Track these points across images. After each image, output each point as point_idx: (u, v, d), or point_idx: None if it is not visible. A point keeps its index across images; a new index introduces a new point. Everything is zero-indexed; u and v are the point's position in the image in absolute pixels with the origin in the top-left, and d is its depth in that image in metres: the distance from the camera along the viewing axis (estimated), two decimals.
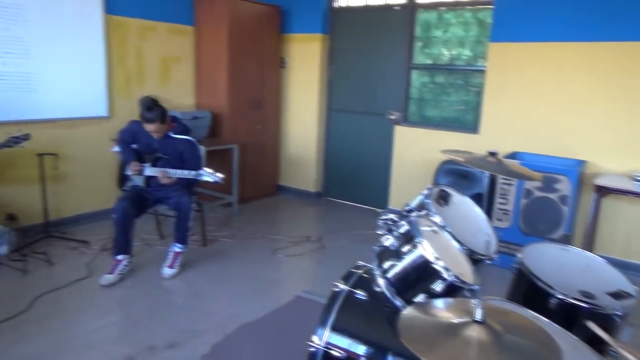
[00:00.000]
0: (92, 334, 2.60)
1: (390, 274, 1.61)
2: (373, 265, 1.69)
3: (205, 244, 3.91)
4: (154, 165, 3.34)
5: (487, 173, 2.36)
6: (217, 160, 4.56)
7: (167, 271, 3.32)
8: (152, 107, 3.11)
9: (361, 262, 1.96)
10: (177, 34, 4.77)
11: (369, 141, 5.08)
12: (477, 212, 2.07)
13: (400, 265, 1.60)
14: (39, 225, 3.83)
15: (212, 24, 4.77)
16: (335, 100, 5.27)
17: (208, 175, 3.22)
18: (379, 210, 5.02)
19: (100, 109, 4.24)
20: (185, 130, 3.42)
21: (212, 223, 4.41)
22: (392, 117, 4.81)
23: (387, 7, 4.80)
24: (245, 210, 4.92)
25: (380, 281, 1.61)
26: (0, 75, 3.60)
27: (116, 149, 3.60)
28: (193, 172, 3.21)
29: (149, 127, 3.15)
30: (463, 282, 1.53)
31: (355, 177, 5.25)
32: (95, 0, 4.04)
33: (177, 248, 3.38)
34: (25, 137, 3.32)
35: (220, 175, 3.22)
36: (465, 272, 1.63)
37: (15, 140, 3.26)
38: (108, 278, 3.18)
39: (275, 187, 5.59)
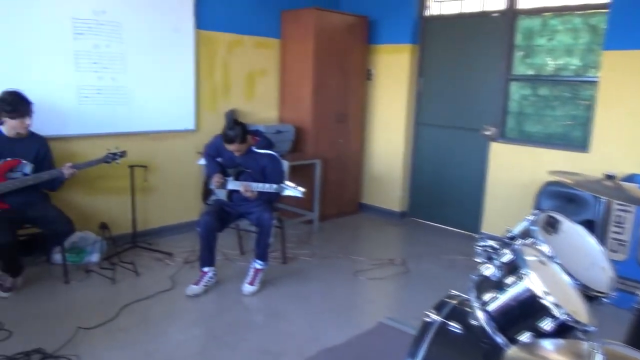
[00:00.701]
0: (175, 347, 2.75)
1: (490, 307, 1.55)
2: (470, 296, 1.63)
3: (285, 262, 4.00)
4: (236, 179, 3.49)
5: (603, 198, 2.21)
6: (299, 175, 4.66)
7: (248, 288, 3.43)
8: (233, 126, 3.28)
9: (454, 292, 1.90)
10: (263, 47, 4.98)
11: (461, 158, 4.94)
12: (591, 242, 1.93)
13: (502, 298, 1.53)
14: (127, 235, 4.13)
15: (297, 36, 4.93)
16: (424, 114, 5.21)
17: (290, 189, 3.30)
18: (469, 234, 4.87)
19: (188, 123, 4.52)
20: (269, 145, 3.55)
21: (292, 240, 4.50)
22: (488, 132, 4.66)
23: (484, 14, 4.68)
24: (326, 228, 4.97)
25: (479, 314, 1.55)
26: (97, 89, 3.95)
27: (202, 162, 3.81)
28: (275, 186, 3.31)
29: (229, 147, 3.33)
30: (576, 321, 1.44)
31: (444, 197, 5.12)
32: (187, 16, 4.35)
33: (258, 265, 3.49)
34: (122, 155, 3.61)
35: (302, 189, 3.29)
36: (579, 310, 1.53)
37: (113, 157, 3.57)
38: (194, 289, 3.35)
39: (357, 205, 5.60)
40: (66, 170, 3.27)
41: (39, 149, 3.32)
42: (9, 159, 3.20)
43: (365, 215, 5.53)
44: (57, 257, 3.63)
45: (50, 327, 2.87)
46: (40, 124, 3.34)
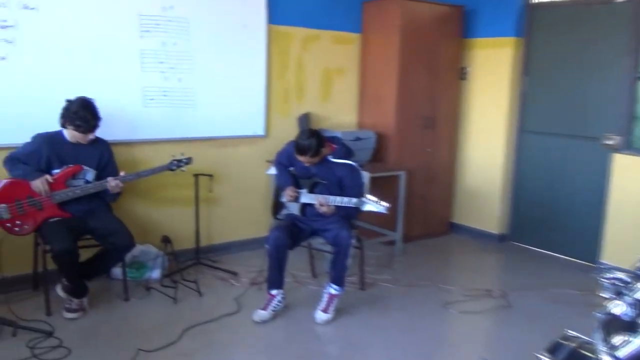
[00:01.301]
0: None
1: (621, 353, 1.47)
2: (595, 338, 1.55)
3: (364, 288, 4.00)
4: (311, 191, 3.55)
5: None
6: (380, 188, 4.65)
7: (321, 316, 3.46)
8: (308, 137, 3.37)
9: (571, 332, 1.82)
10: (341, 42, 5.06)
11: (575, 172, 4.74)
12: None
13: (636, 343, 1.45)
14: (190, 251, 4.31)
15: (380, 30, 4.96)
16: (529, 119, 5.05)
17: (371, 203, 3.32)
18: (585, 263, 4.65)
19: (257, 127, 4.66)
20: (347, 154, 3.59)
21: (371, 263, 4.50)
22: (609, 142, 4.43)
23: (606, 1, 4.48)
24: (410, 250, 4.93)
25: None
26: (163, 91, 4.18)
27: (272, 171, 3.90)
28: (354, 200, 3.33)
29: (300, 158, 3.41)
30: None
31: (553, 218, 4.93)
32: (259, 10, 4.51)
33: (333, 290, 3.51)
34: (188, 161, 3.79)
35: (385, 204, 3.29)
36: None
37: (178, 164, 3.75)
38: (261, 314, 3.43)
39: (448, 225, 5.53)
40: (109, 183, 3.42)
41: (102, 153, 3.55)
42: (70, 165, 3.43)
43: (456, 236, 5.45)
44: (116, 271, 3.85)
45: (109, 347, 3.04)
46: (103, 127, 3.56)
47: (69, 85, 3.69)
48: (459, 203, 5.55)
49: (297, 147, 3.38)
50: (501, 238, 5.28)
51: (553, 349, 1.73)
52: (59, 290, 3.53)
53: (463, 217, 5.53)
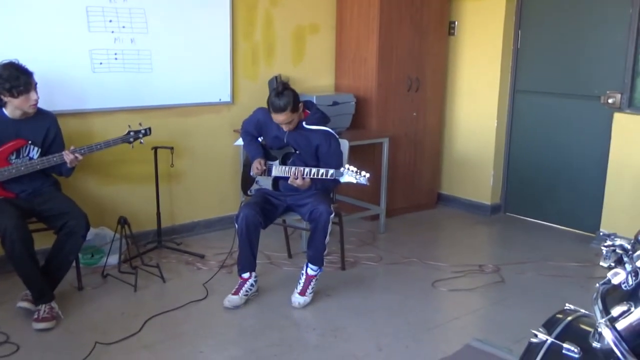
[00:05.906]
0: None
1: (621, 325, 1.49)
2: (594, 311, 1.58)
3: (344, 268, 4.04)
4: (283, 163, 3.54)
5: None
6: (360, 158, 4.66)
7: (298, 299, 3.48)
8: (281, 92, 3.34)
9: (570, 306, 1.85)
10: None
11: (573, 135, 4.80)
12: None
13: (638, 313, 1.47)
14: (151, 233, 4.30)
15: None
16: (524, 78, 5.09)
17: (351, 175, 3.31)
18: (584, 234, 4.75)
19: (222, 93, 4.61)
20: (323, 120, 3.58)
21: (352, 241, 4.54)
22: (610, 100, 4.48)
23: None
24: (395, 225, 4.98)
25: (606, 333, 1.50)
26: (114, 53, 4.09)
27: (240, 142, 3.87)
28: (332, 171, 3.32)
29: (278, 118, 3.38)
30: None
31: (550, 186, 5.01)
32: None
33: (311, 270, 3.52)
34: (146, 133, 3.72)
35: (366, 175, 3.29)
36: None
37: (136, 136, 3.68)
38: (232, 300, 3.44)
39: (436, 196, 5.58)
40: (66, 156, 3.34)
41: (48, 127, 3.46)
42: (13, 141, 3.33)
43: (445, 209, 5.51)
44: None
45: (63, 342, 3.03)
46: (47, 98, 3.47)
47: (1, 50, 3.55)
48: (447, 172, 5.59)
49: (273, 105, 3.34)
50: (494, 209, 5.35)
51: (549, 324, 1.75)
52: (20, 302, 3.30)
53: (452, 187, 5.58)
